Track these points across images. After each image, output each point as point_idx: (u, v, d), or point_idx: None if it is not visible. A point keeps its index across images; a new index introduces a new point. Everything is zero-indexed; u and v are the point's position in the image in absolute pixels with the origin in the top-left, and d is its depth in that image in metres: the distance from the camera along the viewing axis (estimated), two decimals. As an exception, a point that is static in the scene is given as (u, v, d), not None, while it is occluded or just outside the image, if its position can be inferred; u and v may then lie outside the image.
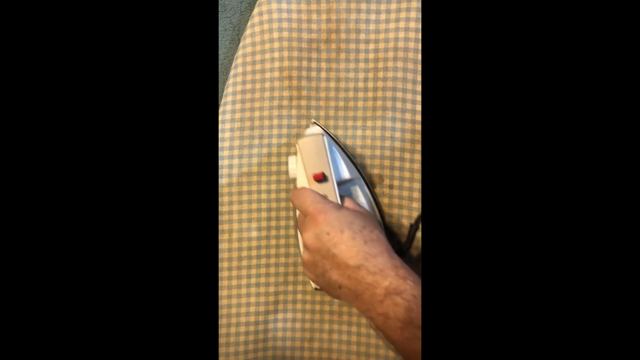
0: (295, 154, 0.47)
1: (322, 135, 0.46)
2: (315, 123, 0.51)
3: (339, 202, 0.45)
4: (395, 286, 0.38)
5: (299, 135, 0.51)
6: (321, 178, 0.45)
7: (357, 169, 0.50)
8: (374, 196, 0.50)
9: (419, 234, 0.50)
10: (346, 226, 0.41)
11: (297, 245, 0.52)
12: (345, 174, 0.47)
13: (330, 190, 0.45)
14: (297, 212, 0.46)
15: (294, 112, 0.52)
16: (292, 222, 0.52)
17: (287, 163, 0.48)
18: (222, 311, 0.51)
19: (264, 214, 0.52)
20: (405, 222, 0.50)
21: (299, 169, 0.47)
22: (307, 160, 0.45)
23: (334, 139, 0.50)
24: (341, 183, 0.47)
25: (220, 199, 0.52)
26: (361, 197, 0.49)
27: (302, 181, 0.46)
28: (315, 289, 0.49)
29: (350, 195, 0.48)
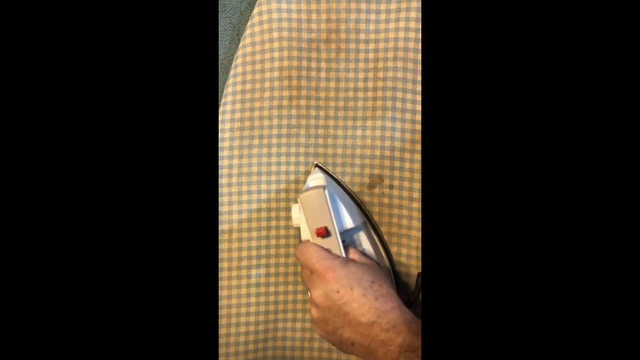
0: (298, 202, 0.47)
1: (324, 188, 0.45)
2: (317, 166, 0.51)
3: (344, 255, 0.44)
4: (409, 343, 0.37)
5: (300, 189, 0.51)
6: (324, 234, 0.44)
7: (361, 210, 0.50)
8: (381, 237, 0.50)
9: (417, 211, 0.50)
10: (356, 283, 0.40)
11: (296, 246, 0.52)
12: (349, 223, 0.47)
13: (334, 244, 0.45)
14: (302, 267, 0.46)
15: (294, 112, 0.51)
16: (292, 223, 0.52)
17: (292, 211, 0.48)
18: (222, 311, 0.51)
19: (264, 214, 0.52)
20: (414, 271, 0.50)
21: (302, 221, 0.47)
22: (310, 215, 0.45)
23: (337, 181, 0.50)
24: (344, 232, 0.47)
25: (220, 199, 0.52)
26: (366, 242, 0.48)
27: (306, 234, 0.46)
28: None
29: (354, 243, 0.48)
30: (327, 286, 0.41)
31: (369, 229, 0.50)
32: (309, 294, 0.44)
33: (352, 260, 0.43)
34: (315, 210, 0.45)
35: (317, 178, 0.48)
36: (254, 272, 0.52)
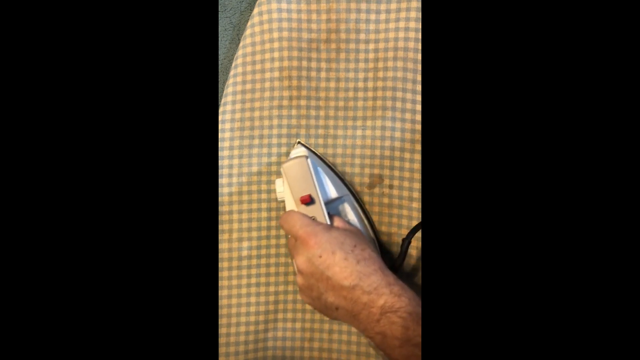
0: (282, 176, 0.47)
1: (306, 157, 0.46)
2: (299, 143, 0.51)
3: (328, 222, 0.45)
4: (391, 304, 0.38)
5: (283, 159, 0.51)
6: (308, 200, 0.45)
7: (345, 185, 0.50)
8: (365, 211, 0.50)
9: (412, 249, 0.50)
10: (338, 247, 0.41)
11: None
12: (333, 193, 0.47)
13: (319, 211, 0.45)
14: (289, 235, 0.46)
15: (294, 112, 0.52)
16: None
17: (275, 185, 0.49)
18: (222, 311, 0.51)
19: (264, 214, 0.52)
20: (397, 239, 0.50)
21: (286, 193, 0.47)
22: (293, 183, 0.45)
23: (320, 157, 0.50)
24: (329, 202, 0.47)
25: (220, 199, 0.52)
26: (351, 213, 0.49)
27: (290, 204, 0.47)
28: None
29: (339, 214, 0.48)
30: (309, 251, 0.41)
31: (353, 201, 0.50)
32: (294, 262, 0.44)
33: (336, 227, 0.44)
34: (298, 179, 0.45)
35: (299, 152, 0.48)
36: (254, 272, 0.52)
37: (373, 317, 0.38)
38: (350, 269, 0.39)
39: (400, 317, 0.37)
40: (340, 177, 0.50)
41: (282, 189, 0.47)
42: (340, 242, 0.41)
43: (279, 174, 0.52)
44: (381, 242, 0.51)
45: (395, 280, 0.40)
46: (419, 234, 0.49)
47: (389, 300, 0.38)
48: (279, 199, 0.48)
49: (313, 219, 0.44)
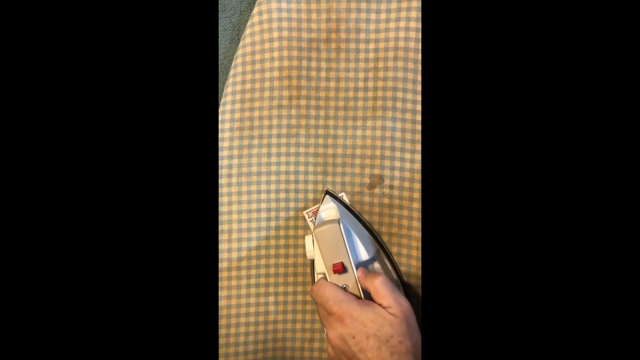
0: (311, 234, 0.46)
1: (339, 222, 0.45)
2: (327, 193, 0.50)
3: (361, 293, 0.43)
4: None
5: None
6: (341, 270, 0.44)
7: (375, 238, 0.49)
8: (394, 265, 0.50)
9: (416, 212, 0.50)
10: (373, 332, 0.39)
11: (296, 246, 0.52)
12: (364, 255, 0.46)
13: (351, 280, 0.44)
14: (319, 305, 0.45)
15: (293, 112, 0.51)
16: (291, 223, 0.52)
17: (304, 245, 0.48)
18: (222, 311, 0.51)
19: (263, 214, 0.52)
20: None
21: (316, 256, 0.46)
22: (325, 249, 0.45)
23: (347, 207, 0.49)
24: (360, 264, 0.46)
25: (220, 199, 0.52)
26: (380, 272, 0.48)
27: (321, 267, 0.46)
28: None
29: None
30: (344, 329, 0.40)
31: (383, 258, 0.49)
32: (326, 332, 0.43)
33: (374, 306, 0.41)
34: (330, 246, 0.44)
35: (329, 208, 0.47)
36: (254, 272, 0.52)
37: None
38: (381, 359, 0.39)
39: None
40: (368, 229, 0.49)
41: (311, 248, 0.47)
42: (376, 328, 0.40)
43: (279, 174, 0.52)
44: (394, 265, 0.51)
45: None
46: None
47: None
48: (308, 258, 0.48)
49: (345, 287, 0.44)
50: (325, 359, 0.52)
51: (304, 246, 0.52)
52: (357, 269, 0.44)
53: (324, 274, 0.45)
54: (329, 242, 0.44)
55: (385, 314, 0.40)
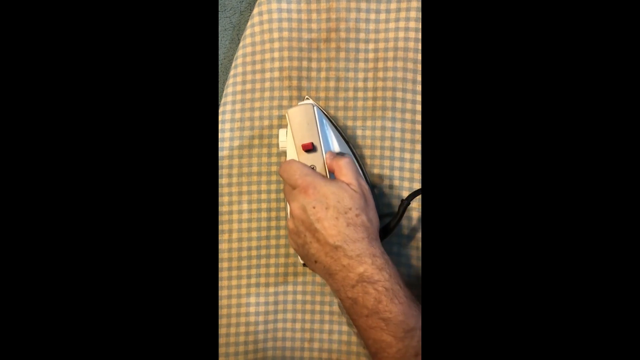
0: (286, 126, 0.47)
1: (313, 105, 0.46)
2: (308, 97, 0.51)
3: (327, 174, 0.45)
4: (370, 274, 0.38)
5: (289, 106, 0.51)
6: (310, 147, 0.45)
7: (347, 145, 0.49)
8: (365, 174, 0.50)
9: (416, 212, 0.50)
10: (332, 203, 0.41)
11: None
12: (335, 147, 0.47)
13: (319, 160, 0.45)
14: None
15: (294, 112, 0.51)
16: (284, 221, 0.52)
17: (277, 136, 0.48)
18: (222, 311, 0.51)
19: (263, 214, 0.52)
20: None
21: (288, 140, 0.47)
22: (297, 130, 0.46)
23: (328, 117, 0.50)
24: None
25: (220, 199, 0.52)
26: None
27: (292, 153, 0.47)
28: (303, 265, 0.49)
29: None
30: (305, 199, 0.41)
31: (354, 161, 0.48)
32: (287, 207, 0.44)
33: (338, 181, 0.43)
34: (302, 125, 0.45)
35: (307, 102, 0.47)
36: (254, 272, 0.52)
37: (349, 281, 0.39)
38: (337, 229, 0.40)
39: (376, 289, 0.38)
40: (344, 139, 0.49)
41: (285, 139, 0.47)
42: (336, 199, 0.41)
43: (279, 173, 0.52)
44: (379, 206, 0.50)
45: (382, 253, 0.40)
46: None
47: (369, 270, 0.38)
48: (280, 149, 0.48)
49: (312, 167, 0.45)
50: (326, 359, 0.52)
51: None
52: (326, 152, 0.45)
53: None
54: (301, 122, 0.45)
55: (347, 188, 0.42)
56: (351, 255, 0.39)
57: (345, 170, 0.44)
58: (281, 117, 0.52)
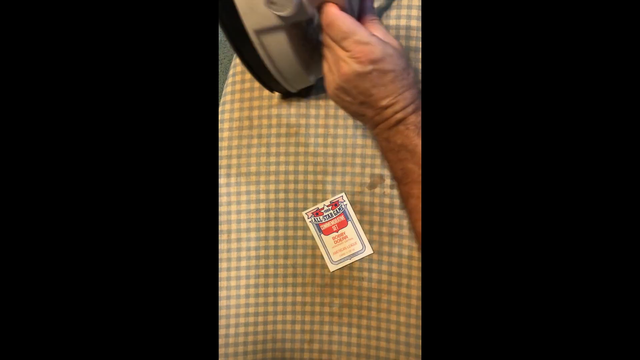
0: None
1: None
2: None
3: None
4: (406, 117, 0.41)
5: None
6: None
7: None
8: None
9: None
10: (391, 67, 0.41)
11: (295, 246, 0.52)
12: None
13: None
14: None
15: (293, 111, 0.51)
16: (290, 223, 0.52)
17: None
18: (222, 311, 0.51)
19: (263, 214, 0.52)
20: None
21: None
22: None
23: None
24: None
25: (219, 199, 0.51)
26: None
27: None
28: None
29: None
30: (363, 67, 0.40)
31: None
32: (329, 54, 0.42)
33: (389, 43, 0.42)
34: None
35: None
36: (253, 272, 0.52)
37: (387, 125, 0.42)
38: (390, 91, 0.41)
39: (407, 128, 0.41)
40: None
41: None
42: (394, 62, 0.41)
43: (278, 174, 0.52)
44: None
45: (417, 93, 0.42)
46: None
47: (407, 115, 0.41)
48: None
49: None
50: (326, 359, 0.52)
51: (303, 246, 0.52)
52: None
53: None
54: None
55: (391, 43, 0.42)
56: (397, 109, 0.41)
57: (380, 30, 0.43)
58: (281, 117, 0.51)
